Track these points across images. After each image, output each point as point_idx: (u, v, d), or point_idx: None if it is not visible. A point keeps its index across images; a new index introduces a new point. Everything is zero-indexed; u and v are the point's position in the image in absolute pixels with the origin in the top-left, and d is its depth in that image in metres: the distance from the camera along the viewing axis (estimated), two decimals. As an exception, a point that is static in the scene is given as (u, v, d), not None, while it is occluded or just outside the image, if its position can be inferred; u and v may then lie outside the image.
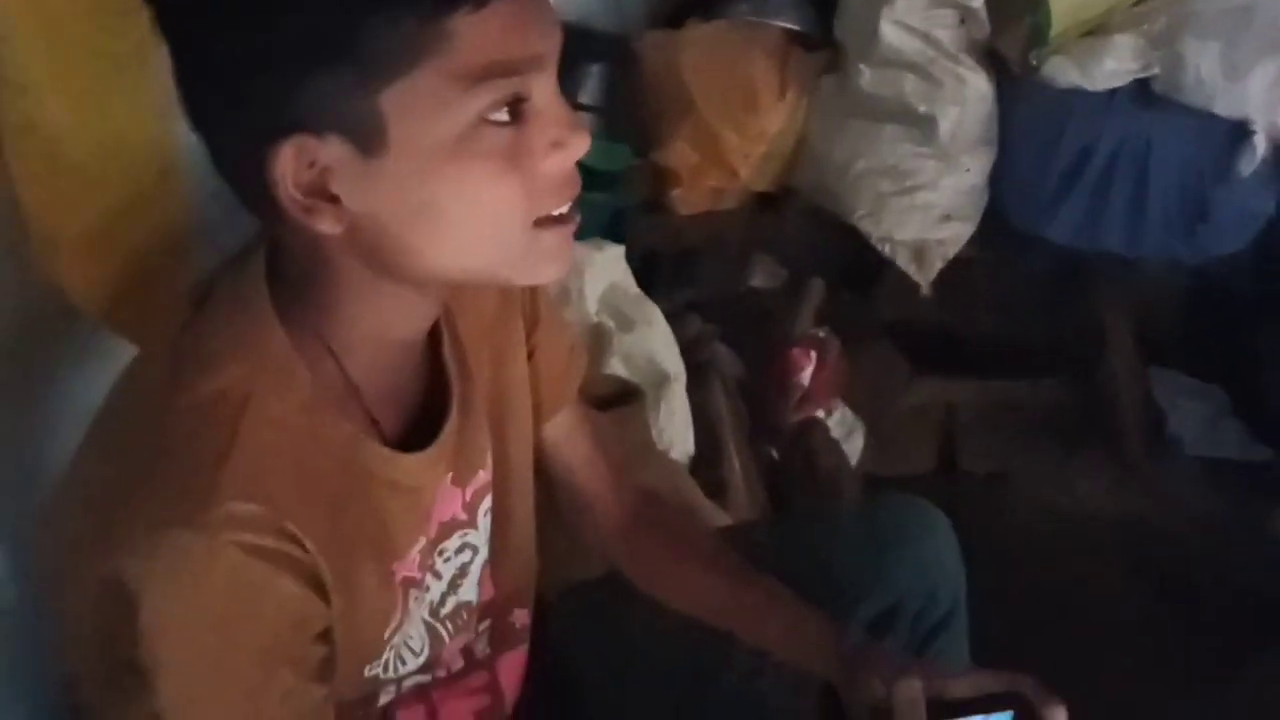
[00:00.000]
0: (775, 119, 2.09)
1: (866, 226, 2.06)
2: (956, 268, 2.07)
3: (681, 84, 2.08)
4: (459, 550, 0.86)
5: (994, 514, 2.08)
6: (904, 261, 2.06)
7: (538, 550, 0.95)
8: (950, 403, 2.21)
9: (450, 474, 0.84)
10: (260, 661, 0.70)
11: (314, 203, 0.69)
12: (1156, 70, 1.94)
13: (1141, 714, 1.57)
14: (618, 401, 1.41)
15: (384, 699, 0.85)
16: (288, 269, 0.75)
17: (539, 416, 0.96)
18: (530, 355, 0.94)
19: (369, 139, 0.68)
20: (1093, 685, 1.41)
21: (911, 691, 0.81)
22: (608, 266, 1.60)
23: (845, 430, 2.05)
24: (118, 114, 0.85)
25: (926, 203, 2.04)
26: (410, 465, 0.80)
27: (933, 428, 2.19)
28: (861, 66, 2.04)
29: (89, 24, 0.81)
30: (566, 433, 1.01)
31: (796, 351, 2.00)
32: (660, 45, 2.13)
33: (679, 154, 2.07)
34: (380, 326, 0.77)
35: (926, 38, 1.99)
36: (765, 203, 2.16)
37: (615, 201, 2.00)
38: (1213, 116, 1.90)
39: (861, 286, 2.19)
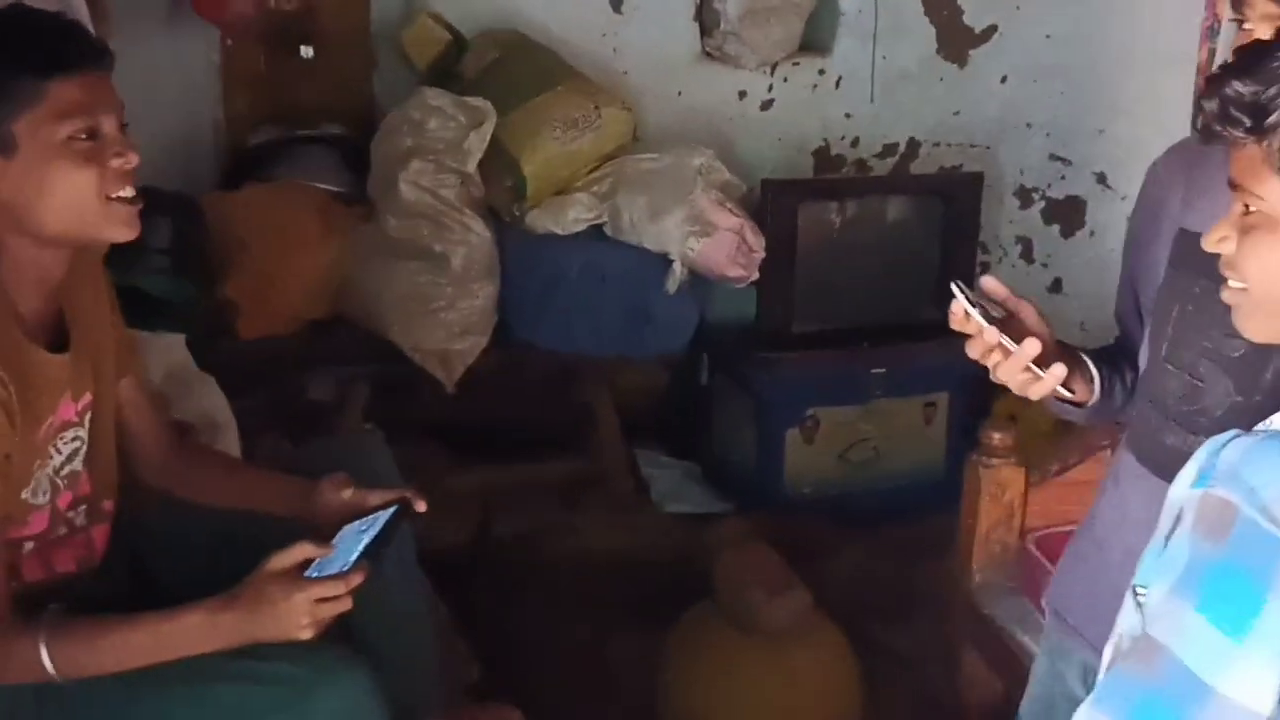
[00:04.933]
0: (322, 259, 2.60)
1: (400, 340, 2.59)
2: (477, 371, 2.62)
3: (242, 233, 2.55)
4: (72, 440, 1.41)
5: (525, 563, 2.62)
6: (432, 367, 2.60)
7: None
8: (484, 483, 2.75)
9: (70, 392, 1.37)
10: None
11: None
12: (605, 218, 2.62)
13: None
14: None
15: (26, 545, 1.36)
16: None
17: (118, 373, 1.50)
18: (113, 331, 1.49)
19: (6, 149, 1.25)
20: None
21: (345, 498, 1.42)
22: (168, 350, 2.10)
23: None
24: None
25: (447, 320, 2.59)
26: (48, 360, 1.35)
27: (470, 504, 2.71)
28: (388, 216, 2.59)
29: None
30: (131, 395, 1.54)
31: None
32: (222, 201, 2.61)
33: (240, 289, 2.53)
34: (25, 270, 1.32)
35: (435, 195, 2.57)
36: (319, 327, 2.65)
37: (186, 328, 2.41)
38: (644, 249, 2.60)
39: (404, 389, 2.70)
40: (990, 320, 1.17)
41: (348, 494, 1.45)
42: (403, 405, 2.70)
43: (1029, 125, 3.22)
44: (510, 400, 2.78)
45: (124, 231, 1.35)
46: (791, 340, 2.79)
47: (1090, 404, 1.33)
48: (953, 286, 1.18)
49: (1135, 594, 0.88)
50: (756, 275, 2.65)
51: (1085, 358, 1.34)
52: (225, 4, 2.63)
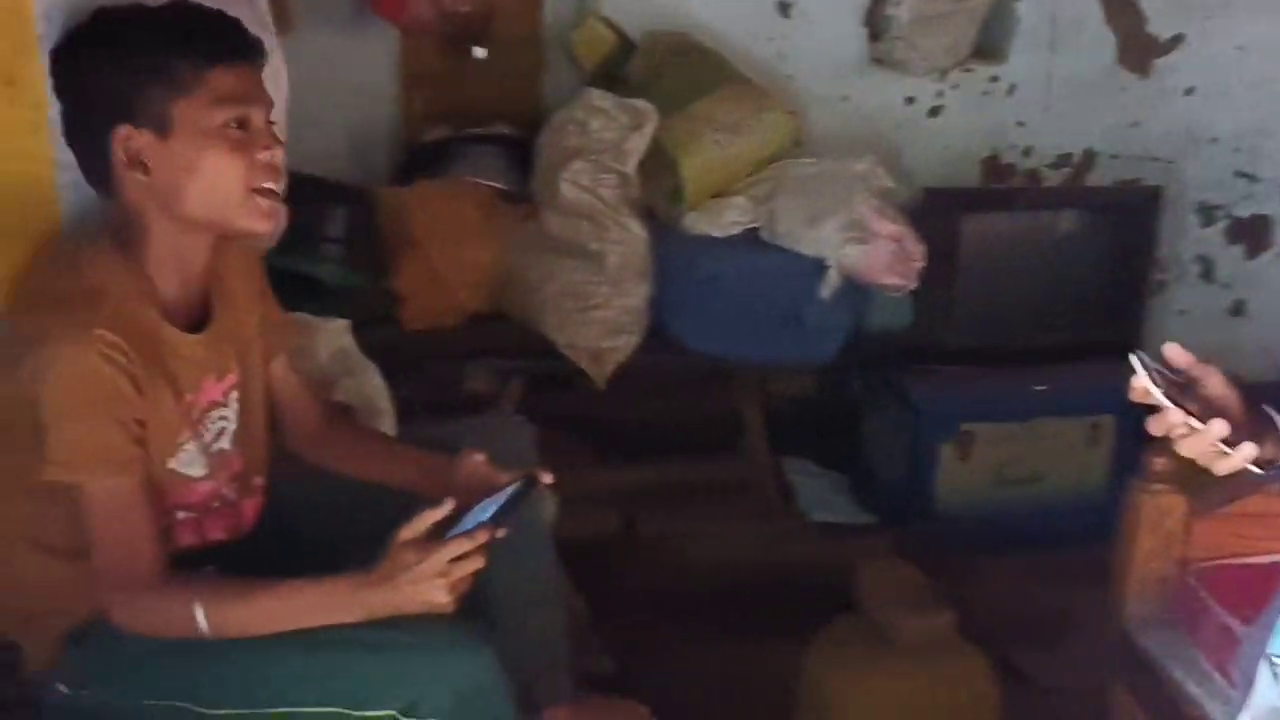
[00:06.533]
0: (485, 255, 2.66)
1: (555, 336, 2.63)
2: (628, 370, 2.65)
3: (411, 227, 2.64)
4: (219, 419, 1.49)
5: (666, 563, 2.63)
6: (585, 364, 2.64)
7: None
8: (630, 480, 2.77)
9: (213, 373, 1.44)
10: (108, 413, 1.31)
11: (133, 165, 1.34)
12: (761, 222, 2.61)
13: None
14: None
15: (179, 514, 1.45)
16: (119, 226, 1.38)
17: (265, 356, 1.59)
18: (261, 316, 1.59)
19: (164, 129, 1.32)
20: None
21: (480, 471, 1.48)
22: (335, 335, 2.18)
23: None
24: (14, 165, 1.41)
25: (601, 318, 2.62)
26: (185, 340, 1.43)
27: (615, 501, 2.74)
28: (549, 214, 2.64)
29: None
30: (282, 374, 1.62)
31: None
32: (395, 196, 2.70)
33: (406, 281, 2.61)
34: (169, 254, 1.40)
35: (595, 194, 2.61)
36: (480, 321, 2.71)
37: (353, 315, 2.50)
38: (800, 254, 2.57)
39: (557, 384, 2.74)
40: (1173, 387, 1.13)
41: (480, 459, 1.50)
42: (554, 400, 2.75)
43: (1214, 139, 3.06)
44: (659, 400, 2.80)
45: (262, 224, 1.41)
46: (949, 353, 2.73)
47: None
48: (1132, 359, 1.14)
49: (1272, 663, 0.82)
50: (915, 285, 2.60)
51: (1273, 414, 1.25)
52: (404, 6, 2.72)
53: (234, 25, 1.41)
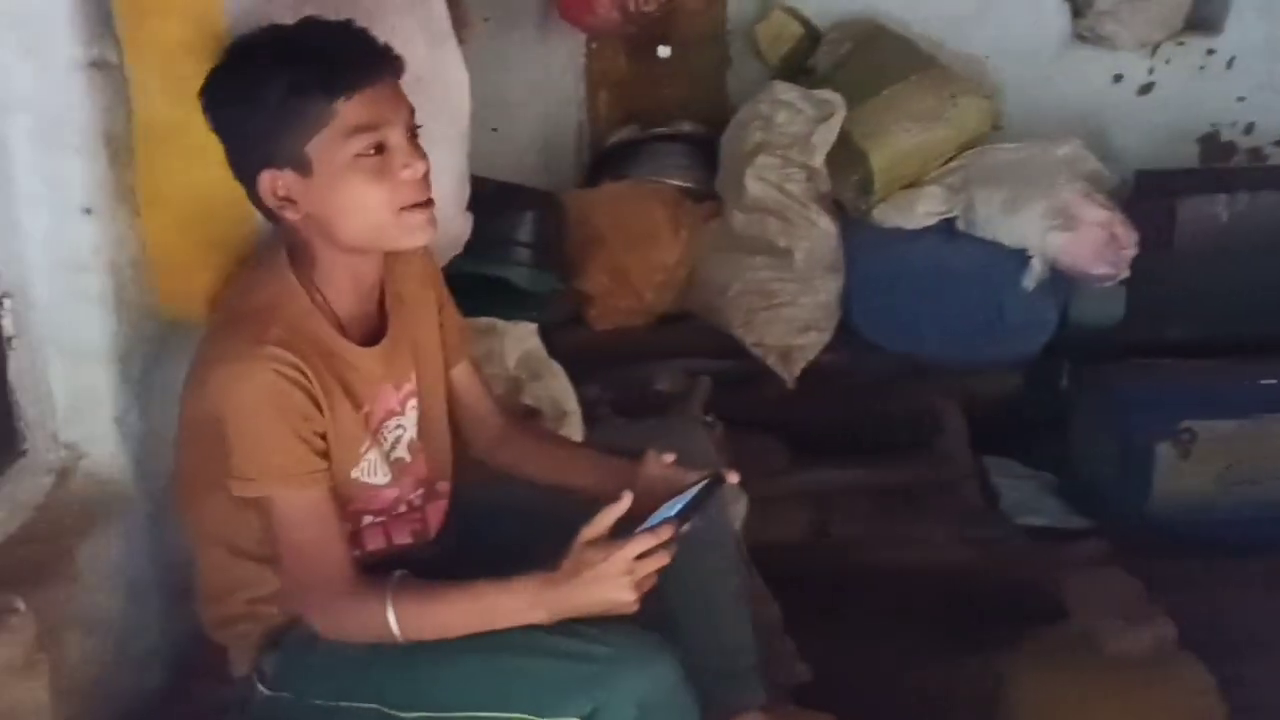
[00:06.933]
0: (671, 254, 2.65)
1: (742, 335, 2.60)
2: (818, 368, 2.59)
3: (597, 228, 2.65)
4: (396, 428, 1.50)
5: (862, 567, 2.56)
6: (773, 362, 2.59)
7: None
8: (823, 482, 2.70)
9: (389, 383, 1.47)
10: (288, 428, 1.34)
11: (284, 204, 1.37)
12: (957, 212, 2.51)
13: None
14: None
15: (365, 519, 1.48)
16: (292, 246, 1.42)
17: (447, 362, 1.59)
18: (440, 323, 1.58)
19: (303, 168, 1.33)
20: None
21: (665, 473, 1.47)
22: (523, 338, 2.20)
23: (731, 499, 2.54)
24: (219, 173, 1.45)
25: (789, 316, 2.58)
26: (361, 353, 1.44)
27: (808, 502, 2.68)
28: (735, 212, 2.61)
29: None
30: (464, 380, 1.63)
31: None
32: (581, 199, 2.72)
33: (594, 282, 2.63)
34: (338, 274, 1.42)
35: (781, 189, 2.56)
36: (667, 321, 2.71)
37: (542, 317, 2.54)
38: (999, 245, 2.46)
39: (746, 384, 2.70)
40: None
41: (667, 459, 1.48)
42: (744, 399, 2.71)
43: None
44: (852, 399, 2.72)
45: (418, 238, 1.40)
46: (1166, 346, 2.56)
47: None
48: None
49: None
50: (1126, 274, 2.45)
51: None
52: (592, 10, 2.74)
53: (358, 42, 1.35)
